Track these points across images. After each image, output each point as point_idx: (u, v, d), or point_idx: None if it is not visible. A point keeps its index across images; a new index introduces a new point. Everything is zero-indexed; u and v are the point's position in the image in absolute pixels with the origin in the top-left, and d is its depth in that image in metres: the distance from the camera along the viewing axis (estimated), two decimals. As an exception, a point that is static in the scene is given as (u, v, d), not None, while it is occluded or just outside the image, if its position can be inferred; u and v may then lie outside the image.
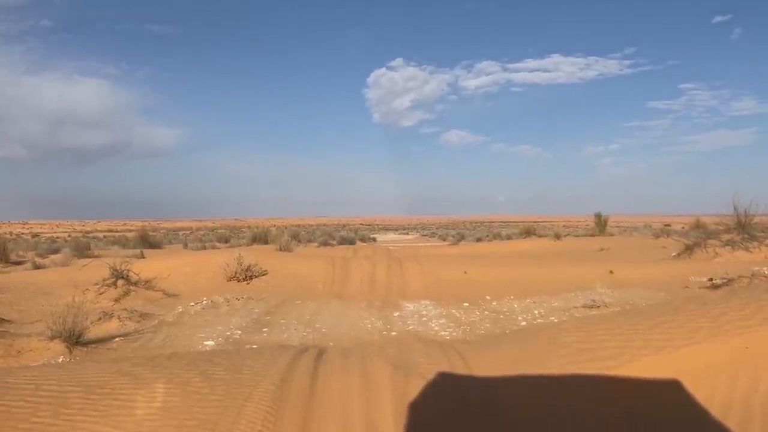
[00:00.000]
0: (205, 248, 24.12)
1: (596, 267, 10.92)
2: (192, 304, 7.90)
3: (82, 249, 18.32)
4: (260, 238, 18.50)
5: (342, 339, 5.90)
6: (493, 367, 3.53)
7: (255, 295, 8.63)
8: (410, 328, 6.57)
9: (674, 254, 12.81)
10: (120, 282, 8.58)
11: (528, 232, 30.27)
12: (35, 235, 70.83)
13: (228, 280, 9.39)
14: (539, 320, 7.08)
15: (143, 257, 13.72)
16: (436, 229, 73.28)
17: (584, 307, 7.83)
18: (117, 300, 8.03)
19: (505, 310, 7.88)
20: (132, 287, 8.51)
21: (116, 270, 8.76)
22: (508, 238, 23.32)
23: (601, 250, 13.89)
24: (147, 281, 9.02)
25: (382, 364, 3.58)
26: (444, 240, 37.80)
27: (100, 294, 8.22)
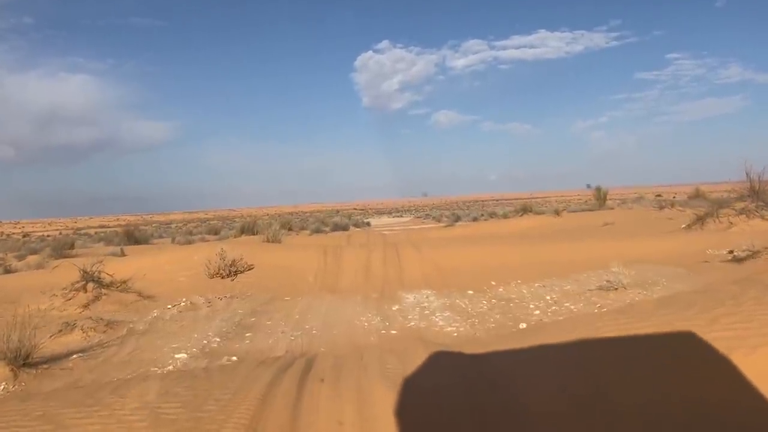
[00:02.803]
0: (192, 242, 23.27)
1: (604, 243, 10.25)
2: (169, 306, 7.14)
3: (61, 248, 17.47)
4: (249, 228, 17.68)
5: (335, 342, 5.17)
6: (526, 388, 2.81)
7: (240, 292, 7.88)
8: (412, 324, 5.86)
9: (684, 226, 12.18)
10: (90, 285, 7.79)
11: (525, 210, 29.68)
12: (26, 235, 69.51)
13: (211, 278, 8.62)
14: (554, 308, 6.40)
15: (123, 255, 12.92)
16: (430, 210, 72.61)
17: (600, 289, 7.15)
18: (86, 306, 7.26)
19: (513, 296, 7.19)
20: (104, 290, 7.73)
21: (86, 272, 7.96)
22: (505, 216, 22.65)
23: (606, 225, 13.25)
24: (122, 282, 8.24)
25: (381, 387, 2.85)
26: (439, 221, 37.14)
27: (68, 300, 7.44)
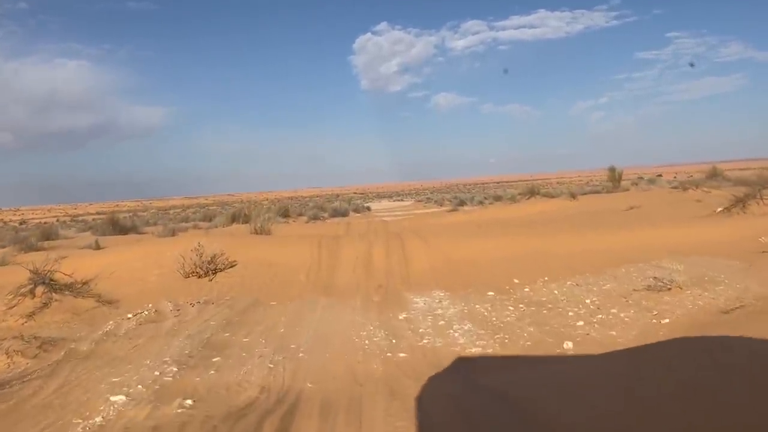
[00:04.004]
0: (183, 230, 21.89)
1: (638, 231, 8.99)
2: (129, 316, 5.93)
3: (44, 238, 16.29)
4: (240, 216, 16.40)
5: (327, 372, 3.96)
6: None
7: (217, 296, 6.66)
8: (425, 341, 4.64)
9: (721, 209, 10.92)
10: (40, 289, 6.58)
11: (532, 192, 28.39)
12: (22, 222, 68.35)
13: (186, 277, 7.41)
14: (599, 316, 5.17)
15: (98, 248, 11.69)
16: (431, 193, 71.21)
17: (649, 289, 5.93)
18: (31, 315, 6.05)
19: (544, 299, 5.96)
20: (55, 295, 6.51)
21: (36, 273, 6.75)
22: (513, 200, 21.33)
23: (631, 208, 11.97)
24: (82, 283, 7.03)
25: None
26: (441, 205, 35.79)
27: (11, 308, 6.23)
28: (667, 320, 4.85)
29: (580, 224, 10.88)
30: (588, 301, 5.73)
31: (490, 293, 6.31)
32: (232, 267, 7.74)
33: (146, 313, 5.96)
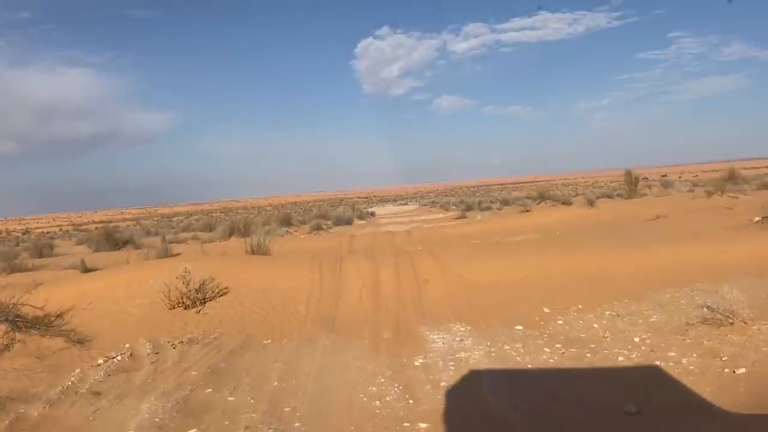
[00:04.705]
0: (172, 249, 21.03)
1: (672, 247, 8.10)
2: (100, 361, 5.11)
3: (10, 259, 15.50)
4: (240, 229, 15.56)
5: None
6: None
7: (204, 332, 5.83)
8: (450, 402, 3.78)
9: (757, 219, 10.01)
10: (2, 328, 5.76)
11: (542, 197, 27.52)
12: (26, 232, 67.92)
13: (171, 308, 6.57)
14: (658, 363, 4.29)
15: (84, 269, 10.89)
16: (435, 197, 70.30)
17: (705, 322, 5.06)
18: (-12, 361, 5.22)
19: (584, 336, 5.10)
20: (19, 335, 5.69)
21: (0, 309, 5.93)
22: (526, 208, 20.40)
23: (658, 218, 11.07)
24: (55, 316, 6.24)
25: None
26: (447, 210, 34.82)
27: (-34, 351, 5.40)
28: (743, 370, 3.98)
29: (606, 237, 9.99)
30: (637, 339, 4.86)
31: (519, 327, 5.45)
32: (223, 295, 6.90)
33: (119, 358, 5.12)
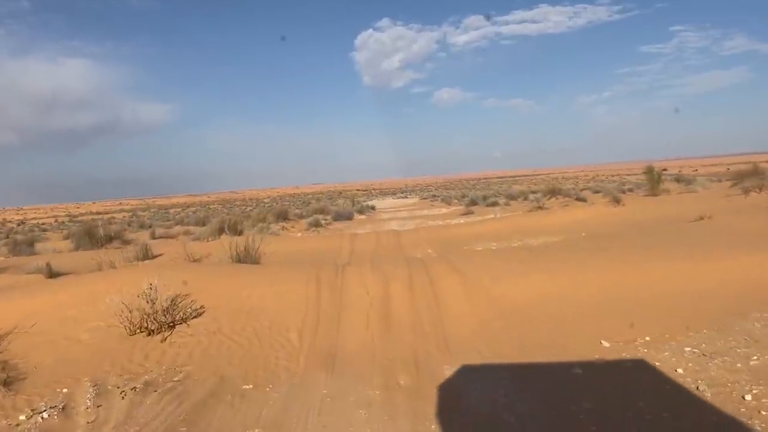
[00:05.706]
0: (173, 236, 19.75)
1: (739, 255, 6.77)
2: (22, 417, 3.82)
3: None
4: (231, 227, 14.20)
5: None
6: None
7: (166, 371, 4.54)
8: None
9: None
10: None
11: (553, 192, 26.24)
12: (21, 223, 66.53)
13: (131, 334, 5.28)
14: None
15: (51, 276, 9.59)
16: (435, 190, 68.90)
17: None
18: None
19: (669, 388, 3.80)
20: (-73, 374, 4.40)
21: None
22: (539, 204, 19.06)
23: (702, 219, 9.76)
24: (-13, 343, 4.95)
25: None
26: (449, 204, 33.46)
27: None
28: None
29: (643, 242, 8.66)
30: (749, 397, 3.56)
31: (577, 371, 4.16)
32: (197, 316, 5.60)
33: (45, 414, 3.82)
